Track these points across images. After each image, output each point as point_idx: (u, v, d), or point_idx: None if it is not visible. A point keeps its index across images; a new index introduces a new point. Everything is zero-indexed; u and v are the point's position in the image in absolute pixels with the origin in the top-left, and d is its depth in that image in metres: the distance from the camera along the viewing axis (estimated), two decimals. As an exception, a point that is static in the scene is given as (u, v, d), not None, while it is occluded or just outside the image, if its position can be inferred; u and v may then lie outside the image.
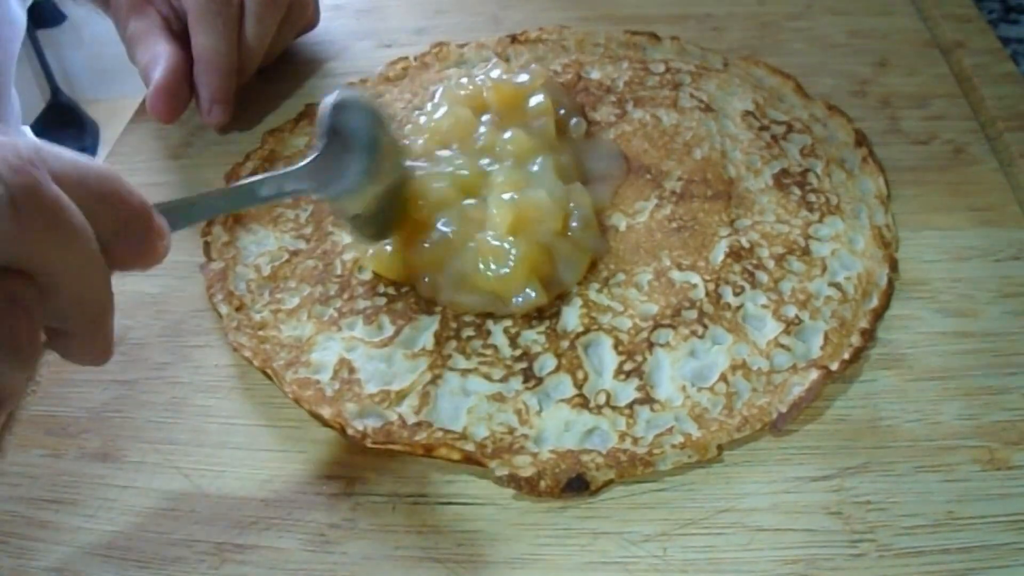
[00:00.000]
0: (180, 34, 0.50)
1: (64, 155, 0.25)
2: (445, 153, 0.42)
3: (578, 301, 0.39)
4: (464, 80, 0.47)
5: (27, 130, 0.69)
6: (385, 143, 0.38)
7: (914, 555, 0.30)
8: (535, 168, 0.41)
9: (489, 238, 0.38)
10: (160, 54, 0.48)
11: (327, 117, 0.36)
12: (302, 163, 0.36)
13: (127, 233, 0.27)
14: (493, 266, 0.38)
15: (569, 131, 0.46)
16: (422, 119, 0.45)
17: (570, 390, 0.36)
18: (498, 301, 0.38)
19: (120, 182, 0.26)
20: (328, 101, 0.37)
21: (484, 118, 0.44)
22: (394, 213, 0.39)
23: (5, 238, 0.22)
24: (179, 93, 0.48)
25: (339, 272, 0.41)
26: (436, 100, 0.46)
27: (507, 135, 0.42)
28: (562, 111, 0.47)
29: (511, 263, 0.37)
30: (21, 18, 0.59)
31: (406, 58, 0.54)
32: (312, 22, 0.57)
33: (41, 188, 0.22)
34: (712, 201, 0.43)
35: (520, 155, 0.42)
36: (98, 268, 0.26)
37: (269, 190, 0.35)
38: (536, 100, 0.45)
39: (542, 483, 0.33)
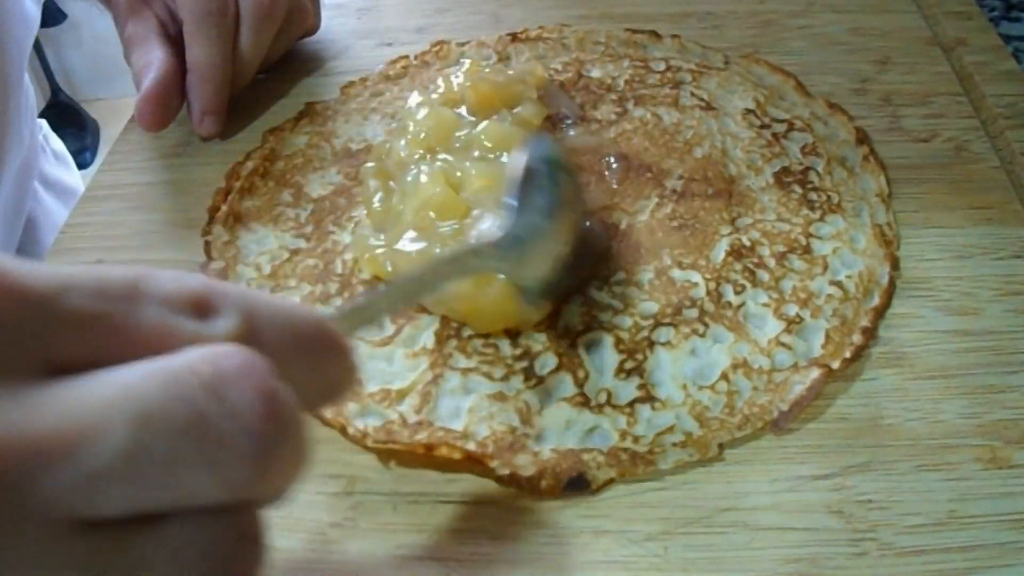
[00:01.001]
0: (177, 39, 0.49)
1: (278, 317, 0.21)
2: (445, 156, 0.42)
3: (578, 300, 0.39)
4: (440, 81, 0.46)
5: (43, 123, 0.69)
6: (566, 191, 0.35)
7: (916, 554, 0.30)
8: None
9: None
10: (153, 61, 0.48)
11: (518, 178, 0.34)
12: (495, 239, 0.33)
13: (332, 387, 0.23)
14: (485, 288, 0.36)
15: (563, 130, 0.46)
16: (408, 124, 0.44)
17: (571, 389, 0.36)
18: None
19: (333, 337, 0.22)
20: (519, 160, 0.34)
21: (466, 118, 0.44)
22: (566, 278, 0.37)
23: (248, 483, 0.18)
24: (167, 103, 0.48)
25: (339, 271, 0.41)
26: (413, 105, 0.46)
27: (480, 127, 0.42)
28: (563, 110, 0.47)
29: (500, 290, 0.36)
30: (35, 15, 0.59)
31: (406, 57, 0.54)
32: (313, 28, 0.56)
33: (290, 428, 0.19)
34: (713, 199, 0.43)
35: (498, 146, 0.41)
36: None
37: (445, 277, 0.31)
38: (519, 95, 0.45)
39: (543, 482, 0.33)
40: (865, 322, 0.37)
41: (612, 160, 0.45)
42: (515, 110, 0.44)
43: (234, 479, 0.18)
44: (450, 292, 0.36)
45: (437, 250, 0.37)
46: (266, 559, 0.20)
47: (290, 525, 0.33)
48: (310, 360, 0.21)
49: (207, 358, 0.18)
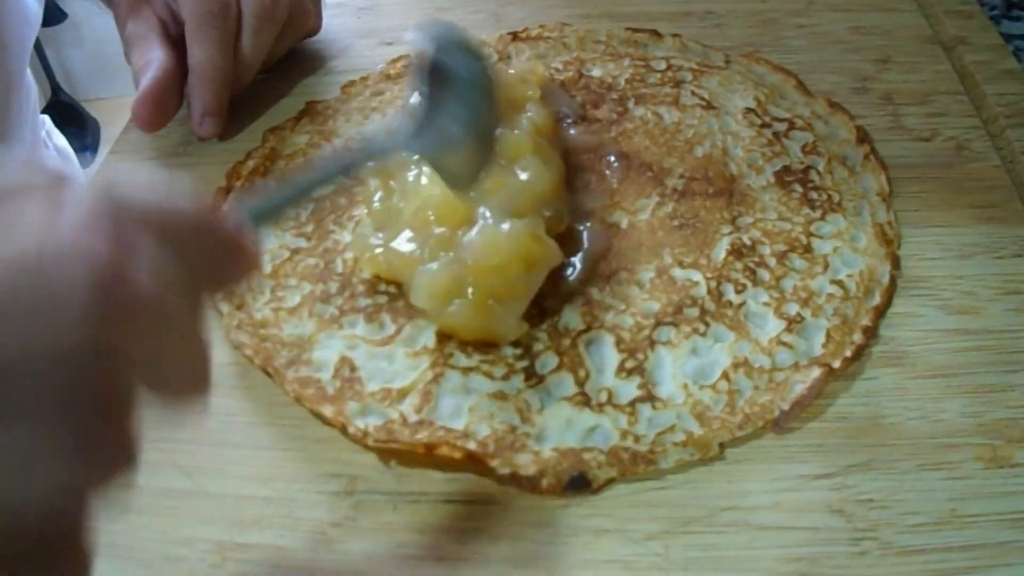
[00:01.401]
0: (177, 39, 0.49)
1: (148, 199, 0.22)
2: None
3: (579, 299, 0.39)
4: None
5: (46, 119, 0.69)
6: (486, 84, 0.33)
7: (916, 553, 0.30)
8: (524, 176, 0.40)
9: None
10: (152, 61, 0.48)
11: (426, 62, 0.32)
12: (400, 126, 0.32)
13: (220, 268, 0.24)
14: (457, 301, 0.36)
15: (562, 131, 0.46)
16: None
17: (572, 388, 0.36)
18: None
19: (210, 221, 0.24)
20: (424, 42, 0.32)
21: None
22: (485, 158, 0.35)
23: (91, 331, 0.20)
24: (165, 102, 0.48)
25: (340, 270, 0.41)
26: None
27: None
28: (563, 109, 0.47)
29: (470, 301, 0.36)
30: (37, 12, 0.59)
31: (407, 55, 0.54)
32: (315, 29, 0.56)
33: (127, 286, 0.20)
34: (714, 199, 0.43)
35: (511, 156, 0.41)
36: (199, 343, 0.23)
37: (360, 163, 0.31)
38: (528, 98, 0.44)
39: (544, 481, 0.33)
40: (866, 321, 0.37)
41: (613, 159, 0.45)
42: (522, 114, 0.44)
43: (66, 323, 0.19)
44: (421, 307, 0.37)
45: (426, 253, 0.37)
46: None
47: (290, 525, 0.33)
48: (193, 242, 0.22)
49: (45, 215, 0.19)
